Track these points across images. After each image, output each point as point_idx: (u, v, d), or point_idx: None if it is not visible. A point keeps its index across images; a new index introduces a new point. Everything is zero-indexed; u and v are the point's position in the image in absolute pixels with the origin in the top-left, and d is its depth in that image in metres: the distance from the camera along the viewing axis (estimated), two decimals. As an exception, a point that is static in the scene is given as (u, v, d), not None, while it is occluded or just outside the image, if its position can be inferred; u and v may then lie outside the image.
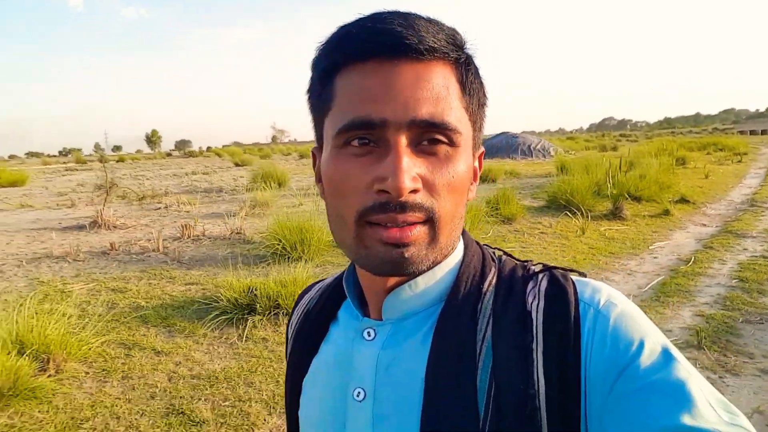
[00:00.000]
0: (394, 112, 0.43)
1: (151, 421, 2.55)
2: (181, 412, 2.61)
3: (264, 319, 3.64)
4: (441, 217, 0.45)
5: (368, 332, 0.53)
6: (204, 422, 2.53)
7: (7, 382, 2.53)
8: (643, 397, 0.39)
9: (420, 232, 0.44)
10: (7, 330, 2.93)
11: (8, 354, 2.72)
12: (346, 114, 0.44)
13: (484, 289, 0.50)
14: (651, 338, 0.43)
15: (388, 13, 0.45)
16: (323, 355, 0.56)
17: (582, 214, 6.84)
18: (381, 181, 0.43)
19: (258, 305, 3.62)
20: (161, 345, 3.35)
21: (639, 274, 4.93)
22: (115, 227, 7.32)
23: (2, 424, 2.39)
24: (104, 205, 7.80)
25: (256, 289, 3.71)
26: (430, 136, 0.44)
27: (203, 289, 4.39)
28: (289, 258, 5.05)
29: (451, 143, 0.45)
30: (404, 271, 0.45)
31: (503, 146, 22.18)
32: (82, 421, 2.53)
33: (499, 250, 0.57)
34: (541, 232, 6.55)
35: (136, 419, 2.56)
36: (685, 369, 0.41)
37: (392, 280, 0.51)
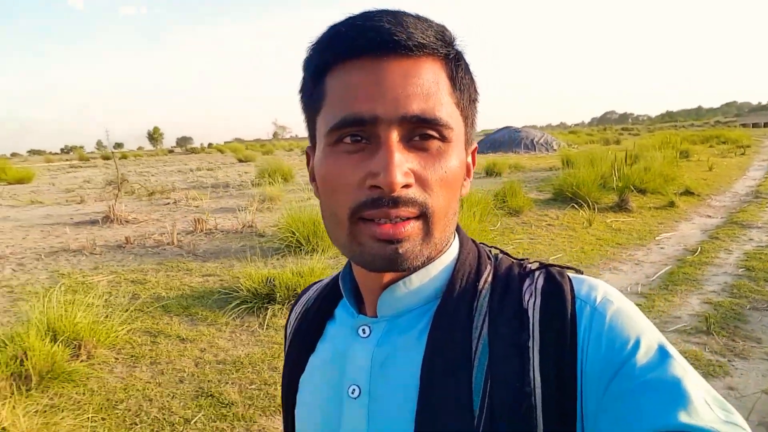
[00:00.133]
0: (384, 108, 0.43)
1: (182, 403, 2.65)
2: (210, 395, 2.72)
3: (283, 308, 3.74)
4: (434, 212, 0.45)
5: (363, 329, 0.53)
6: (233, 404, 2.64)
7: (46, 366, 2.64)
8: (640, 395, 0.39)
9: (414, 227, 0.45)
10: (39, 319, 3.04)
11: (42, 340, 2.83)
12: (337, 112, 0.45)
13: (480, 287, 0.50)
14: (647, 336, 0.43)
15: (377, 11, 0.45)
16: (320, 353, 0.57)
17: (588, 206, 6.93)
18: (373, 177, 0.43)
19: (278, 294, 3.72)
20: (185, 333, 3.46)
21: (647, 264, 5.02)
22: (127, 222, 7.42)
23: (46, 404, 2.50)
24: (116, 201, 7.90)
25: (274, 280, 3.82)
26: (421, 131, 0.44)
27: (221, 280, 4.49)
28: (302, 250, 5.15)
29: (443, 138, 0.45)
30: (399, 267, 0.45)
31: (506, 140, 22.23)
32: (116, 402, 2.64)
33: (495, 248, 0.58)
34: (549, 224, 6.64)
35: (167, 401, 2.67)
36: (682, 367, 0.41)
37: (387, 277, 0.51)
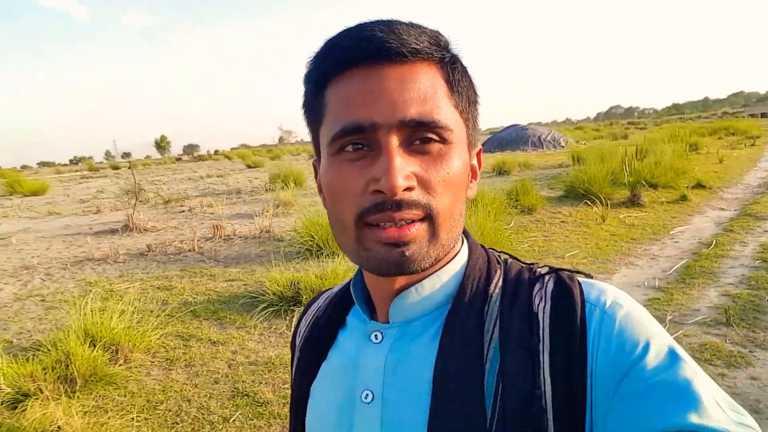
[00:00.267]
0: (382, 114, 0.44)
1: (219, 403, 2.76)
2: (246, 395, 2.82)
3: (308, 309, 3.84)
4: (439, 213, 0.46)
5: (375, 335, 0.53)
6: (268, 403, 2.74)
7: (88, 370, 2.76)
8: (650, 397, 0.39)
9: (419, 229, 0.45)
10: (78, 325, 3.16)
11: (82, 346, 2.95)
12: (337, 121, 0.46)
13: (491, 291, 0.50)
14: (657, 339, 0.43)
15: (371, 22, 0.47)
16: (332, 360, 0.57)
17: (601, 202, 6.98)
18: (375, 182, 0.44)
19: (303, 297, 3.82)
20: (216, 336, 3.57)
21: (662, 259, 5.07)
22: (146, 230, 7.58)
23: (92, 406, 2.62)
24: (134, 210, 8.06)
25: (299, 283, 3.92)
26: (421, 135, 0.45)
27: (244, 284, 4.61)
28: (322, 253, 5.25)
29: (443, 141, 0.46)
30: (406, 270, 0.45)
31: (513, 138, 22.25)
32: (157, 403, 2.75)
33: (504, 253, 0.58)
34: (562, 221, 6.70)
35: (205, 401, 2.77)
36: (692, 368, 0.41)
37: (399, 284, 0.51)
